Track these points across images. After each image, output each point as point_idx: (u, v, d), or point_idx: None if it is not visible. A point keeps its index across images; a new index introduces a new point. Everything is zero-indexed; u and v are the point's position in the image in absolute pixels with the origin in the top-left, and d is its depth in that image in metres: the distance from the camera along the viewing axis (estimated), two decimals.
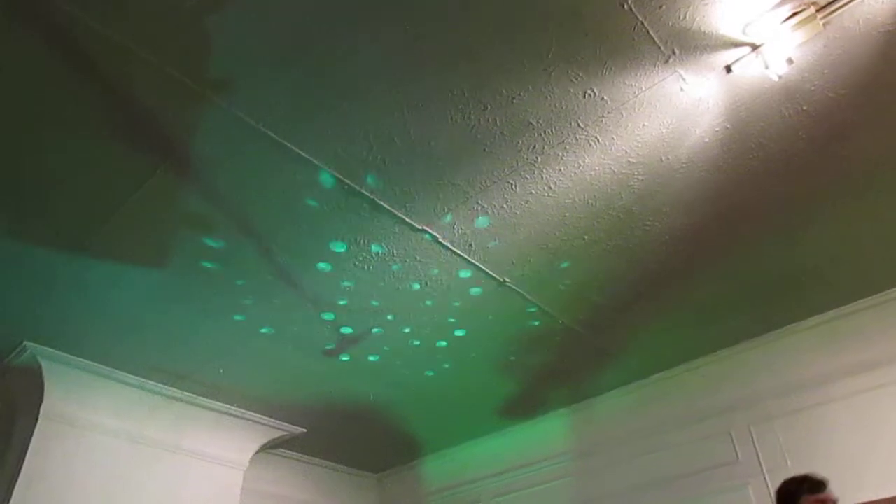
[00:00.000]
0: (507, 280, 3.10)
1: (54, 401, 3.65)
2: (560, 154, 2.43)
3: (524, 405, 4.41)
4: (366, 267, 2.97)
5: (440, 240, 2.81)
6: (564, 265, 3.03)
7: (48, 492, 3.48)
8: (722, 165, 2.52)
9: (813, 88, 2.23)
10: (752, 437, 3.65)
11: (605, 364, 3.95)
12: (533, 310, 3.34)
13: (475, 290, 3.16)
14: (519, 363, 3.84)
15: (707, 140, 2.41)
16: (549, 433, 4.57)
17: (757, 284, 3.27)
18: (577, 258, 2.98)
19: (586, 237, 2.85)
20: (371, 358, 3.71)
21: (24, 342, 3.51)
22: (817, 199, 2.73)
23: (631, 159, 2.47)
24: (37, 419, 3.59)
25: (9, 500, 3.35)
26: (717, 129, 2.37)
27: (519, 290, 3.17)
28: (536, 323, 3.45)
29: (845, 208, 2.79)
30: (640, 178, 2.55)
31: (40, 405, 3.61)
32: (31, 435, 3.55)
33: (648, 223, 2.79)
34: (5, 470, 3.58)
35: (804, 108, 2.30)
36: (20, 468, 3.45)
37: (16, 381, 3.73)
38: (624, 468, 4.13)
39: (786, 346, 3.67)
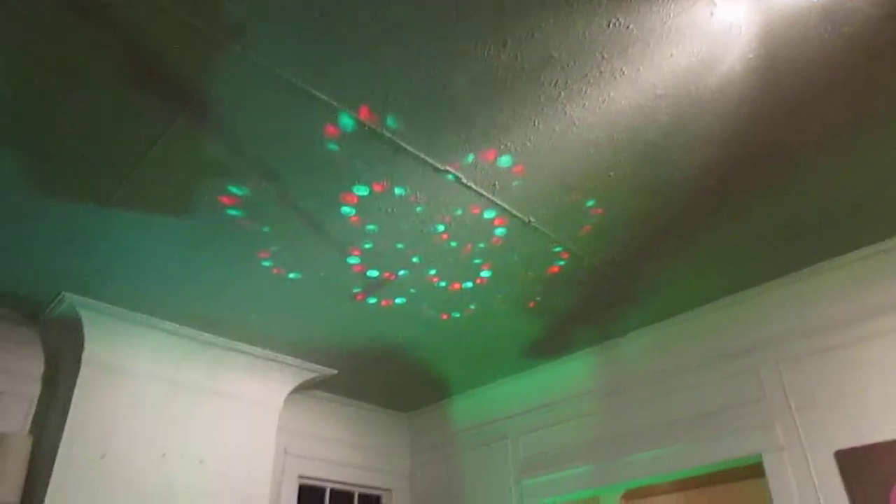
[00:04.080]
0: (532, 220, 3.07)
1: (94, 349, 3.78)
2: (584, 88, 2.36)
3: (550, 345, 4.44)
4: (389, 210, 2.96)
5: (463, 180, 2.78)
6: (590, 203, 2.98)
7: (95, 433, 3.64)
8: (754, 96, 2.43)
9: (854, 7, 2.11)
10: (781, 376, 3.64)
11: (631, 304, 3.94)
12: (558, 249, 3.32)
13: (500, 231, 3.15)
14: (544, 303, 3.85)
15: (738, 69, 2.31)
16: (575, 372, 4.61)
17: (787, 222, 3.19)
18: (602, 196, 2.93)
19: (612, 174, 2.79)
20: (398, 300, 3.75)
21: (62, 293, 3.61)
22: (856, 131, 2.62)
23: (658, 91, 2.39)
24: (79, 366, 3.73)
25: (59, 443, 3.52)
26: (749, 56, 2.27)
27: (544, 229, 3.15)
28: (562, 263, 3.44)
29: (885, 139, 2.68)
30: (667, 111, 2.47)
31: (81, 353, 3.74)
32: (76, 381, 3.70)
33: (676, 159, 2.72)
34: (54, 415, 3.75)
35: (844, 29, 2.18)
36: (67, 413, 3.60)
37: (57, 331, 3.86)
38: (649, 406, 4.17)
39: (815, 284, 3.62)
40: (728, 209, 3.07)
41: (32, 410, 3.82)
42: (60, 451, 3.49)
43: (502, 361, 4.70)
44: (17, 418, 3.75)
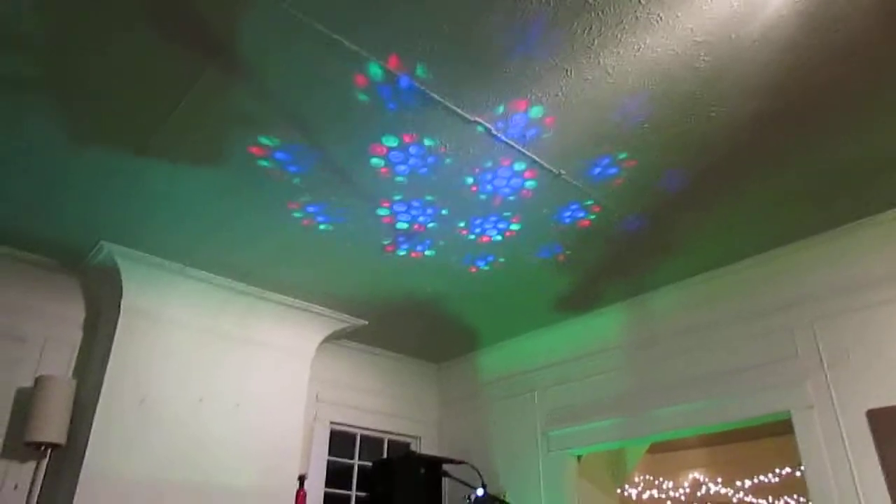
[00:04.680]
0: (562, 172, 3.02)
1: (132, 297, 3.89)
2: (618, 35, 2.28)
3: (579, 299, 4.43)
4: (418, 161, 2.94)
5: (493, 131, 2.74)
6: (622, 156, 2.92)
7: (134, 379, 3.78)
8: (798, 42, 2.32)
9: None
10: (814, 334, 3.58)
11: (663, 259, 3.89)
12: (589, 202, 3.28)
13: (530, 183, 3.11)
14: (574, 257, 3.82)
15: (783, 13, 2.21)
16: (605, 326, 4.61)
17: (827, 177, 3.09)
18: (635, 148, 2.87)
19: (646, 125, 2.72)
20: (427, 252, 3.76)
21: (101, 242, 3.70)
22: None
23: (696, 38, 2.30)
24: (118, 314, 3.85)
25: (100, 387, 3.66)
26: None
27: (575, 182, 3.10)
28: (592, 216, 3.40)
29: None
30: (705, 59, 2.38)
31: (120, 301, 3.86)
32: (115, 328, 3.82)
33: (714, 109, 2.64)
34: (95, 360, 3.89)
35: None
36: (108, 358, 3.74)
37: (97, 279, 3.98)
38: (678, 361, 4.16)
39: (852, 242, 3.52)
40: (765, 163, 2.98)
41: (75, 355, 3.97)
42: (102, 394, 3.64)
43: (531, 314, 4.71)
44: (61, 362, 3.90)
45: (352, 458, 5.11)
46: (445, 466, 2.78)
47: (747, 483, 7.14)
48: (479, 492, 2.52)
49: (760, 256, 3.82)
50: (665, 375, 4.20)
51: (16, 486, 3.55)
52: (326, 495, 4.76)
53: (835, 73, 2.46)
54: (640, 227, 3.50)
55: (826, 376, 3.48)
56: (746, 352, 3.84)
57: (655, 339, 4.34)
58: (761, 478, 7.01)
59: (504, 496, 4.54)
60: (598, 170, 3.02)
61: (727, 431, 6.03)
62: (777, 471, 6.85)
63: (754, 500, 7.18)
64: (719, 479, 7.28)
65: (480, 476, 2.58)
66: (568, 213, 3.38)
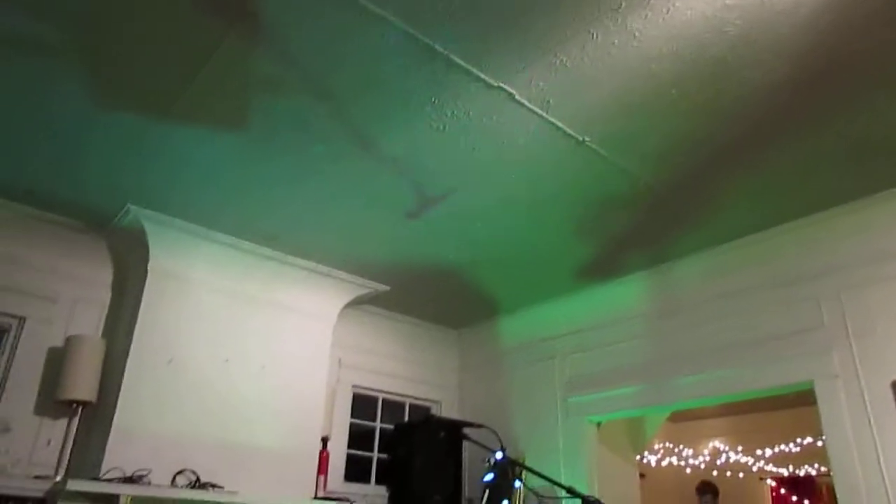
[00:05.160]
0: (586, 139, 2.98)
1: (159, 259, 3.95)
2: None
3: (602, 267, 4.40)
4: (441, 128, 2.92)
5: (517, 97, 2.70)
6: (648, 122, 2.86)
7: (162, 339, 3.86)
8: (834, 4, 2.23)
9: None
10: (842, 303, 3.53)
11: (688, 227, 3.84)
12: (614, 170, 3.23)
13: (553, 150, 3.07)
14: (597, 225, 3.79)
15: None
16: (627, 295, 4.58)
17: (859, 144, 3.00)
18: (662, 115, 2.81)
19: (674, 91, 2.66)
20: (449, 220, 3.75)
21: (127, 205, 3.76)
22: None
23: (727, 1, 2.22)
24: (146, 276, 3.92)
25: (129, 347, 3.75)
26: None
27: (599, 149, 3.05)
28: (617, 184, 3.35)
29: None
30: (736, 22, 2.31)
31: (147, 263, 3.92)
32: (143, 290, 3.90)
33: (744, 75, 2.56)
34: (124, 320, 3.98)
35: None
36: (136, 319, 3.82)
37: (124, 242, 4.04)
38: (701, 330, 4.13)
39: (884, 211, 3.43)
40: (797, 129, 2.90)
41: (104, 316, 4.07)
42: (131, 354, 3.73)
43: (552, 282, 4.69)
44: (91, 323, 4.00)
45: (374, 420, 5.19)
46: (465, 430, 2.81)
47: (768, 452, 7.13)
48: (499, 455, 2.54)
49: (788, 225, 3.75)
50: (687, 344, 4.18)
51: (49, 442, 3.67)
52: (349, 456, 4.87)
53: (874, 34, 2.36)
54: (665, 195, 3.45)
55: (852, 346, 3.44)
56: (771, 321, 3.80)
57: (678, 307, 4.31)
58: (782, 447, 7.00)
59: (523, 461, 4.60)
60: (623, 136, 2.97)
61: (748, 401, 6.02)
62: (798, 440, 6.83)
63: (775, 469, 7.19)
64: (739, 448, 7.28)
65: (500, 440, 2.60)
66: (592, 181, 3.33)
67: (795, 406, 6.30)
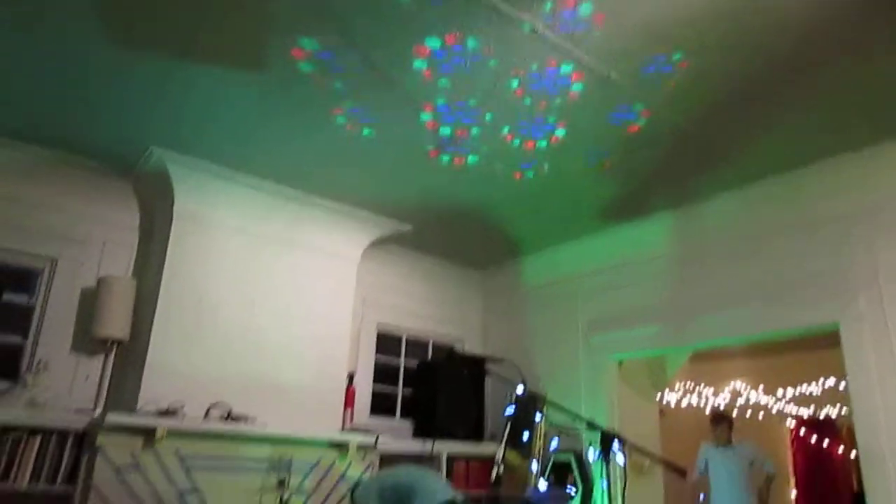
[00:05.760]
0: (612, 74, 2.90)
1: (184, 202, 4.00)
2: None
3: (625, 207, 4.35)
4: (462, 64, 2.85)
5: (539, 31, 2.62)
6: (677, 56, 2.77)
7: (190, 281, 3.95)
8: None
9: None
10: (872, 245, 3.47)
11: (715, 166, 3.76)
12: (639, 106, 3.16)
13: (577, 86, 3.00)
14: (622, 164, 3.73)
15: None
16: (651, 234, 4.55)
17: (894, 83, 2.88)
18: (691, 48, 2.71)
19: (703, 23, 2.56)
20: (470, 159, 3.72)
21: (150, 148, 3.78)
22: None
23: None
24: (171, 218, 3.97)
25: (159, 287, 3.84)
26: None
27: (625, 84, 2.97)
28: (642, 121, 3.28)
29: None
30: None
31: (172, 206, 3.97)
32: (169, 232, 3.96)
33: (780, 6, 2.45)
34: (153, 262, 4.06)
35: None
36: (164, 261, 3.90)
37: (149, 185, 4.09)
38: (726, 270, 4.10)
39: None
40: (836, 63, 2.78)
41: (133, 257, 4.16)
42: (160, 295, 3.82)
43: (576, 222, 4.67)
44: (121, 264, 4.09)
45: (398, 358, 5.30)
46: (488, 365, 2.85)
47: (789, 393, 7.16)
48: (520, 389, 2.58)
49: (819, 164, 3.66)
50: (711, 284, 4.17)
51: (87, 378, 3.82)
52: (374, 392, 5.00)
53: None
54: (692, 133, 3.37)
55: (880, 289, 3.40)
56: (798, 262, 3.76)
57: (703, 247, 4.28)
58: (804, 388, 7.02)
59: (545, 397, 4.68)
60: (650, 71, 2.88)
61: (771, 342, 6.02)
62: (820, 381, 6.84)
63: (796, 410, 7.23)
64: (761, 388, 7.32)
65: (521, 374, 2.64)
66: (617, 118, 3.26)
67: (819, 348, 6.28)
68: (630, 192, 4.11)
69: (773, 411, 7.29)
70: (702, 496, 5.72)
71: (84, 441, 3.39)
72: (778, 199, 3.89)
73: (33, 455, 3.27)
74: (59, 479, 3.31)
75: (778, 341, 5.61)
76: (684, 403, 7.37)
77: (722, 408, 7.14)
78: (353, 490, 3.55)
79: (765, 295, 3.86)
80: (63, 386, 3.70)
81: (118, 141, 3.73)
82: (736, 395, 7.43)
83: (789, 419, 7.36)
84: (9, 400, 3.45)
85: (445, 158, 3.73)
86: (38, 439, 3.30)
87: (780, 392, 7.24)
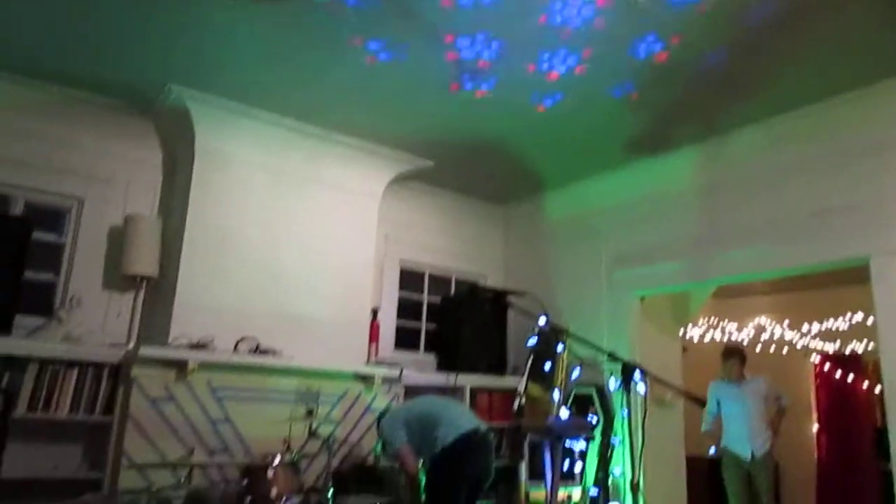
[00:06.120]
0: (638, 0, 2.78)
1: (204, 139, 4.00)
2: None
3: (650, 140, 4.26)
4: None
5: None
6: None
7: (214, 218, 3.99)
8: None
9: None
10: None
11: (743, 97, 3.64)
12: (667, 34, 3.04)
13: (601, 12, 2.89)
14: (648, 95, 3.62)
15: None
16: (677, 168, 4.46)
17: None
18: None
19: None
20: (493, 90, 3.64)
21: (169, 84, 3.76)
22: None
23: None
24: (193, 156, 3.98)
25: (184, 224, 3.88)
26: None
27: (653, 10, 2.85)
28: (670, 50, 3.16)
29: None
30: None
31: (193, 143, 3.97)
32: (191, 170, 3.98)
33: None
34: (177, 200, 4.10)
35: None
36: (188, 199, 3.94)
37: (170, 124, 4.09)
38: (753, 203, 4.02)
39: None
40: None
41: (157, 195, 4.19)
42: (186, 231, 3.88)
43: (599, 156, 4.59)
44: (146, 202, 4.14)
45: (421, 294, 5.35)
46: (509, 297, 2.87)
47: (815, 328, 7.12)
48: (542, 320, 2.59)
49: (851, 94, 3.53)
50: (737, 218, 4.10)
51: (119, 314, 3.93)
52: (398, 327, 5.07)
53: None
54: (721, 62, 3.25)
55: None
56: (829, 194, 3.66)
57: (729, 180, 4.19)
58: (829, 324, 6.97)
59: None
60: None
61: (797, 278, 5.94)
62: (847, 316, 6.77)
63: (821, 345, 7.19)
64: (785, 323, 7.27)
65: (543, 306, 2.65)
66: (643, 47, 3.15)
67: (846, 283, 6.20)
68: (656, 125, 4.01)
69: (798, 347, 7.26)
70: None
71: (119, 374, 3.52)
72: (806, 130, 3.77)
73: (72, 387, 3.41)
74: (97, 410, 3.45)
75: (805, 276, 5.52)
76: (707, 339, 7.38)
77: (745, 343, 7.13)
78: (379, 418, 3.65)
79: (793, 229, 3.79)
80: (96, 321, 3.81)
81: (138, 79, 3.71)
82: (760, 330, 7.40)
83: (814, 354, 7.32)
84: (46, 335, 3.56)
85: (466, 91, 3.65)
86: (75, 372, 3.43)
87: (805, 327, 7.19)
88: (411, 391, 4.36)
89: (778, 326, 7.32)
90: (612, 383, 4.24)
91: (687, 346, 6.21)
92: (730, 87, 3.53)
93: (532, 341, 3.72)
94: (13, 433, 2.76)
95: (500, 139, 4.32)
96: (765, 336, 7.36)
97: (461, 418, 3.41)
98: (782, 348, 7.26)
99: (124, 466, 3.31)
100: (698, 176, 4.36)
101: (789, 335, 7.30)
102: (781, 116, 3.82)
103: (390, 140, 4.47)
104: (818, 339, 7.21)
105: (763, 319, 7.46)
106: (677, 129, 4.09)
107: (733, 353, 5.08)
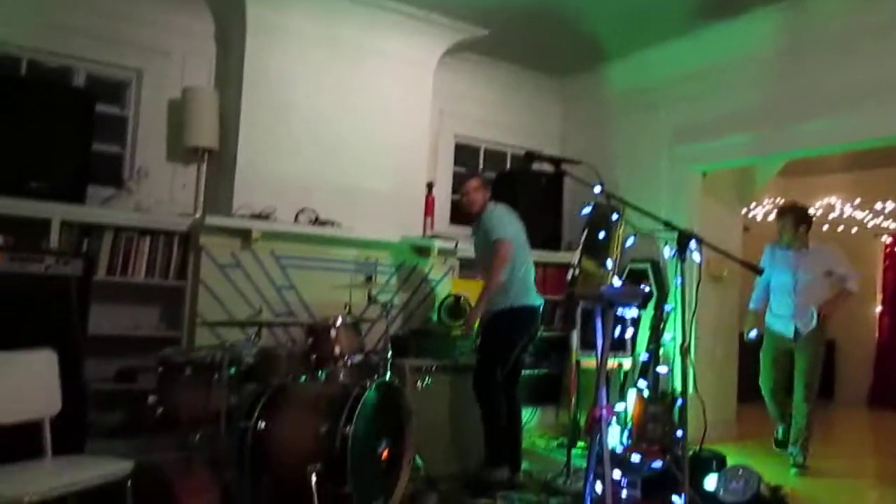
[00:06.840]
0: None
1: (255, 9, 3.92)
2: None
3: (719, 3, 3.92)
4: None
5: None
6: None
7: (270, 88, 4.00)
8: None
9: None
10: None
11: None
12: None
13: None
14: None
15: None
16: (749, 33, 4.15)
17: None
18: None
19: None
20: None
21: None
22: None
23: None
24: (245, 27, 3.93)
25: (241, 96, 3.91)
26: None
27: None
28: None
29: None
30: None
31: (245, 13, 3.91)
32: (244, 41, 3.94)
33: None
34: (232, 72, 4.10)
35: None
36: (243, 70, 3.93)
37: None
38: (831, 70, 3.75)
39: None
40: None
41: (213, 68, 4.20)
42: (243, 103, 3.92)
43: (663, 20, 4.27)
44: (203, 75, 4.16)
45: (476, 169, 5.31)
46: (565, 166, 2.81)
47: (889, 207, 6.78)
48: (597, 189, 2.55)
49: None
50: (813, 86, 3.84)
51: (184, 186, 4.07)
52: (453, 202, 5.09)
53: None
54: None
55: None
56: None
57: (805, 46, 3.90)
58: None
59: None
60: None
61: (872, 154, 5.60)
62: None
63: (894, 224, 6.89)
64: (857, 202, 6.95)
65: (598, 175, 2.59)
66: None
67: None
68: None
69: (869, 226, 6.97)
70: None
71: (189, 241, 3.70)
72: None
73: (146, 253, 3.63)
74: (170, 274, 3.68)
75: (882, 150, 5.18)
76: (771, 218, 7.15)
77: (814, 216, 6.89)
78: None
79: (875, 98, 3.54)
80: (163, 192, 3.97)
81: None
82: (829, 210, 7.11)
83: (885, 235, 7.03)
84: (117, 204, 3.74)
85: None
86: (147, 239, 3.63)
87: (878, 206, 6.85)
88: (466, 264, 4.45)
89: (849, 206, 7.01)
90: (667, 252, 4.20)
91: (749, 226, 6.05)
92: None
93: (587, 209, 3.66)
94: (96, 295, 2.97)
95: (559, 4, 4.07)
96: (832, 216, 7.08)
97: (534, 289, 3.52)
98: (851, 228, 6.99)
99: (198, 325, 3.56)
100: (773, 40, 4.06)
101: (860, 215, 6.99)
102: None
103: (444, 7, 4.28)
104: (892, 219, 6.90)
105: (833, 199, 7.14)
106: None
107: (786, 212, 4.14)
